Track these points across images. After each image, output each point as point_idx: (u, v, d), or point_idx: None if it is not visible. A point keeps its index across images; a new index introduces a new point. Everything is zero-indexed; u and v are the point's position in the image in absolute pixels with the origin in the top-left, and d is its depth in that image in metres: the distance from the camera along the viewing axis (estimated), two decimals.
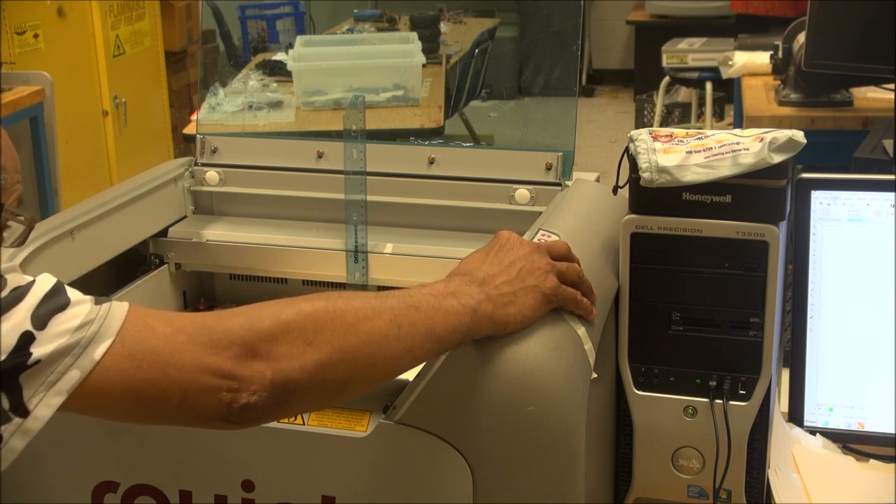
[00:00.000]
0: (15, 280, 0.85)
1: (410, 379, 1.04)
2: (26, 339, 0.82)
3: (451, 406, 1.03)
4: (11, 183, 0.91)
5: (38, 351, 0.82)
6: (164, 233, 1.62)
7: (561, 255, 1.08)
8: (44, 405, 0.83)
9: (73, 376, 0.83)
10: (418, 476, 1.06)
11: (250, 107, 2.41)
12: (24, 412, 0.82)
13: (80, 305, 0.86)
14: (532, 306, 1.03)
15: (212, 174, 1.66)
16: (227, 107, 2.22)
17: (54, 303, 0.85)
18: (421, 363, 1.01)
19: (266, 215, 1.66)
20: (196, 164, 1.67)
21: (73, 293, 0.87)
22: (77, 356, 0.83)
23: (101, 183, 4.37)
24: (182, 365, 0.87)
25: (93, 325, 0.85)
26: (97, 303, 0.87)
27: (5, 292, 0.83)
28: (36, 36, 4.05)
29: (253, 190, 1.66)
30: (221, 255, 1.61)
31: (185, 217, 1.66)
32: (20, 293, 0.84)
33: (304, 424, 1.09)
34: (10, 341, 0.82)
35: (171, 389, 0.87)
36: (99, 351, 0.84)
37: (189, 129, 3.34)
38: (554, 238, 1.17)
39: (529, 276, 1.03)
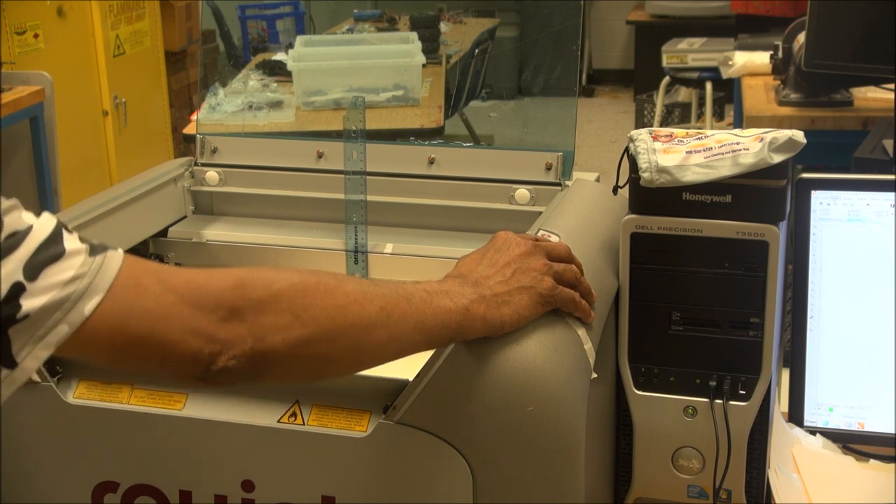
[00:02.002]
0: (13, 223, 0.84)
1: (410, 379, 1.04)
2: (16, 290, 0.82)
3: (451, 406, 1.03)
4: None
5: (28, 304, 0.82)
6: (164, 233, 1.62)
7: (561, 257, 1.08)
8: (32, 358, 0.84)
9: (62, 331, 0.84)
10: (418, 476, 1.06)
11: (250, 107, 2.41)
12: (11, 363, 0.83)
13: (74, 257, 0.85)
14: (527, 306, 1.02)
15: (212, 174, 1.66)
16: (227, 107, 2.22)
17: (49, 253, 0.84)
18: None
19: (266, 215, 1.66)
20: (196, 164, 1.67)
21: (69, 241, 0.86)
22: (67, 311, 0.84)
23: (101, 183, 4.37)
24: (168, 326, 0.88)
25: (84, 279, 0.85)
26: (92, 252, 0.86)
27: (1, 237, 0.83)
28: (36, 36, 4.05)
29: (253, 190, 1.66)
30: (221, 255, 1.61)
31: (185, 217, 1.66)
32: (16, 241, 0.83)
33: (304, 424, 1.09)
34: (1, 292, 0.81)
35: (154, 348, 0.88)
36: (89, 307, 0.84)
37: (189, 129, 3.34)
38: (554, 238, 1.16)
39: (524, 277, 1.03)
